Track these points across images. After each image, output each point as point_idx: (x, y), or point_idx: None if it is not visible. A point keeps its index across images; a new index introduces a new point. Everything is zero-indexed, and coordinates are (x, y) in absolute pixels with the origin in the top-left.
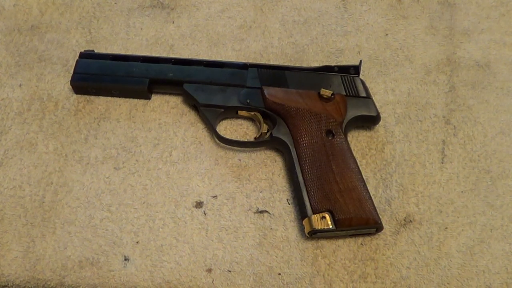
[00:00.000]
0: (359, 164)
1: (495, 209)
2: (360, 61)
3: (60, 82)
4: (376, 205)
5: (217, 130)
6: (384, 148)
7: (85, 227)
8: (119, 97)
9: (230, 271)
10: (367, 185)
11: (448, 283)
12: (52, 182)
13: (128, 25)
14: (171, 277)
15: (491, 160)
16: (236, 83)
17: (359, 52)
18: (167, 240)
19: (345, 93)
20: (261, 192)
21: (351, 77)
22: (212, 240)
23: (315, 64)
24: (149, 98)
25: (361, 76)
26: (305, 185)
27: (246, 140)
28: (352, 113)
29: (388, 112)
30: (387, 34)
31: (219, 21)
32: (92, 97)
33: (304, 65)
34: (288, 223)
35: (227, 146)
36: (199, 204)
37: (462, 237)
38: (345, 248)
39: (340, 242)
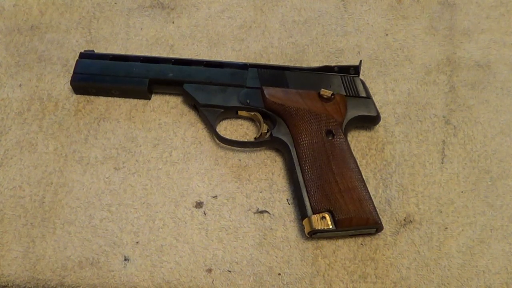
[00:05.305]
0: (359, 164)
1: (495, 209)
2: (360, 61)
3: (60, 82)
4: (376, 205)
5: (217, 130)
6: (384, 148)
7: (85, 227)
8: (119, 97)
9: (230, 271)
10: (367, 185)
11: (448, 283)
12: (52, 182)
13: (128, 25)
14: (171, 277)
15: (491, 160)
16: (236, 83)
17: (359, 52)
18: (167, 240)
19: (345, 93)
20: (261, 192)
21: (351, 77)
22: (212, 240)
23: (315, 64)
24: (149, 98)
25: (361, 76)
26: (305, 185)
27: (246, 140)
28: (352, 113)
29: (388, 112)
30: (387, 34)
31: (219, 21)
32: (92, 97)
33: (304, 65)
34: (288, 223)
35: (227, 146)
36: (199, 204)
37: (462, 237)
38: (345, 248)
39: (340, 242)
